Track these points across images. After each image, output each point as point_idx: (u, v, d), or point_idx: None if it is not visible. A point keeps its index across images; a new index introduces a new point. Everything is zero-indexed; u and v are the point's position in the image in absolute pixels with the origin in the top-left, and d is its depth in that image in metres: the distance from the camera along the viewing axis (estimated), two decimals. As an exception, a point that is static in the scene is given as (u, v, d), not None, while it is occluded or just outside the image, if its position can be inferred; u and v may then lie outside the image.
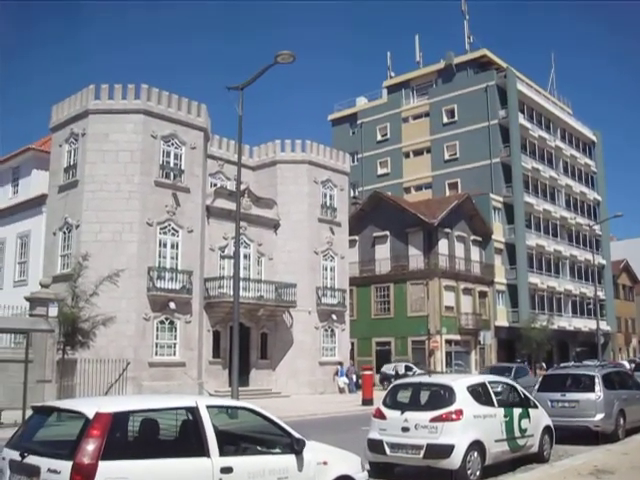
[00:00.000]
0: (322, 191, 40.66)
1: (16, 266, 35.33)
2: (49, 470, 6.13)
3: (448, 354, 47.15)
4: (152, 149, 31.63)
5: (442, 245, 48.79)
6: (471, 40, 62.92)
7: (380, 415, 12.13)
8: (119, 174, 30.85)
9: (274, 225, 38.68)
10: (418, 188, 60.60)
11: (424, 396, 12.70)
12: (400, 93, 63.85)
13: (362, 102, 67.72)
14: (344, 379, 38.85)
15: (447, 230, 49.28)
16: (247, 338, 35.55)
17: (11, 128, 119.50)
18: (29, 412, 18.54)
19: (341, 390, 38.44)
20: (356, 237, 49.78)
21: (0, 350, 26.24)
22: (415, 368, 41.14)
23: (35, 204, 34.31)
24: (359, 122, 65.66)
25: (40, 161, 36.13)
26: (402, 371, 40.41)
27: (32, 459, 6.38)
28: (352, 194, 57.53)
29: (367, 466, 10.14)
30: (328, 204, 40.90)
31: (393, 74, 66.51)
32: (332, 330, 40.05)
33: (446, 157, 58.49)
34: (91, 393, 25.91)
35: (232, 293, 26.00)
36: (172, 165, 32.36)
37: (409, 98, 63.39)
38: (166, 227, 31.64)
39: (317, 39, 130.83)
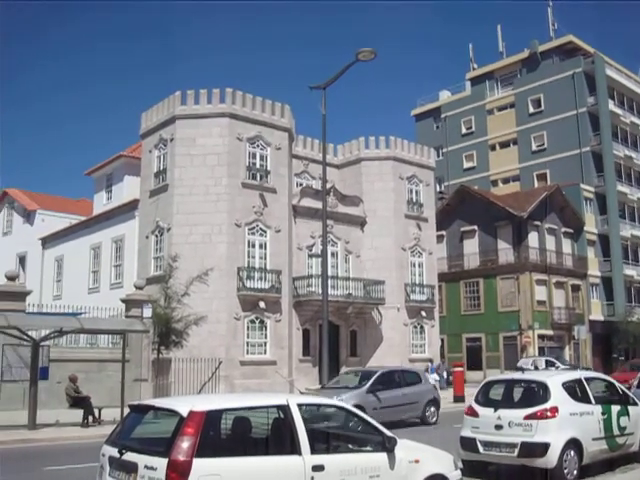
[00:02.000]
0: (408, 187, 40.40)
1: (112, 269, 36.51)
2: (146, 467, 6.29)
3: (541, 350, 46.04)
4: (238, 151, 32.14)
5: (532, 238, 47.79)
6: (555, 27, 61.28)
7: (472, 413, 11.97)
8: (207, 177, 31.49)
9: (360, 222, 38.68)
10: (505, 181, 59.47)
11: (517, 393, 12.44)
12: (484, 85, 62.78)
13: (445, 96, 66.97)
14: (434, 376, 38.47)
15: (537, 223, 48.22)
16: (336, 336, 35.68)
17: (104, 136, 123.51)
18: (127, 410, 19.12)
19: (432, 387, 38.04)
20: (443, 232, 49.29)
21: (99, 350, 27.21)
22: (558, 363, 38.11)
23: (128, 209, 35.39)
24: (443, 116, 64.93)
25: (131, 167, 37.32)
26: (542, 366, 36.68)
27: (130, 456, 6.57)
28: (438, 189, 57.01)
29: (460, 464, 10.02)
30: (414, 200, 40.61)
31: (476, 66, 65.39)
32: (421, 327, 39.75)
33: (534, 148, 57.16)
34: (185, 391, 26.51)
35: (320, 291, 26.18)
36: (258, 166, 32.80)
37: (493, 89, 62.26)
38: (254, 227, 32.09)
39: (396, 34, 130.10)
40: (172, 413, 6.62)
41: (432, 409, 21.96)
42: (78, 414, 20.01)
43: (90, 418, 20.13)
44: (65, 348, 25.35)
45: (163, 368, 26.22)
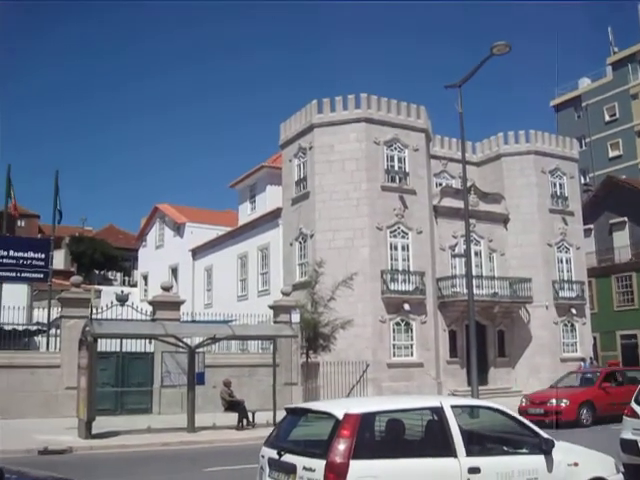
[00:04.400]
0: (551, 180, 39.15)
1: (258, 277, 37.58)
2: (304, 468, 6.47)
3: None
4: (376, 155, 32.31)
5: (690, 228, 45.05)
6: None
7: (633, 414, 11.43)
8: (347, 182, 31.84)
9: (503, 220, 37.87)
10: (656, 168, 56.40)
11: (682, 391, 11.80)
12: (626, 69, 59.72)
13: (585, 83, 64.21)
14: (588, 375, 37.01)
15: (694, 211, 45.42)
16: (483, 336, 35.07)
17: (244, 148, 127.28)
18: (279, 413, 19.60)
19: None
20: (591, 226, 47.27)
21: (249, 356, 28.11)
22: None
23: (272, 218, 36.34)
24: (584, 104, 62.33)
25: (273, 177, 38.32)
26: None
27: (288, 457, 6.78)
28: (583, 181, 54.82)
29: (621, 468, 9.62)
30: (558, 193, 39.31)
31: (616, 49, 62.43)
32: (572, 325, 38.36)
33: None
34: (334, 394, 26.87)
35: (465, 292, 25.88)
36: (397, 169, 32.83)
37: (637, 73, 59.20)
38: (395, 230, 32.11)
39: (527, 23, 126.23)
40: (328, 416, 6.78)
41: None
42: (232, 417, 20.67)
43: (244, 421, 20.74)
44: (218, 354, 26.37)
45: (311, 372, 26.72)
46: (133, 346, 25.25)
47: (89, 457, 15.75)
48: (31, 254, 26.66)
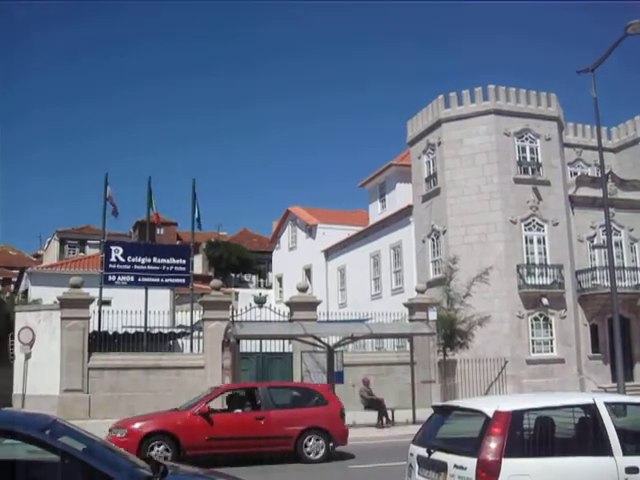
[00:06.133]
0: (696, 164, 37.03)
1: (392, 275, 37.64)
2: (455, 466, 6.48)
3: None
4: (507, 147, 31.69)
5: None
6: None
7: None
8: (478, 176, 31.41)
9: (645, 207, 36.15)
10: None
11: None
12: None
13: None
14: None
15: None
16: (627, 330, 33.52)
17: (374, 146, 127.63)
18: (418, 411, 19.52)
19: None
20: None
21: (386, 354, 28.21)
22: None
23: (402, 215, 36.33)
24: None
25: (402, 175, 38.28)
26: None
27: (438, 455, 6.80)
28: None
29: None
30: None
31: None
32: None
33: None
34: (472, 392, 26.57)
35: (607, 284, 24.95)
36: (529, 160, 32.07)
37: None
38: (530, 223, 31.36)
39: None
40: (477, 414, 6.76)
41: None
42: (372, 416, 20.83)
43: (384, 419, 20.86)
44: (355, 353, 26.66)
45: (449, 369, 26.53)
46: (272, 346, 25.92)
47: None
48: (173, 260, 27.78)
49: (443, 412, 7.80)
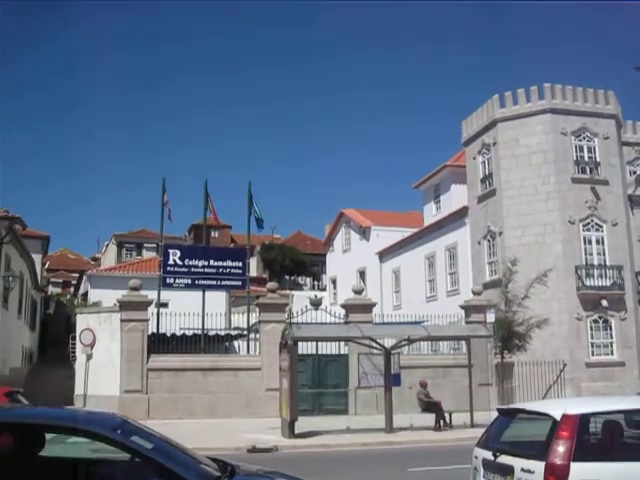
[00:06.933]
0: None
1: (447, 277, 37.36)
2: (522, 469, 6.41)
3: None
4: (564, 146, 31.20)
5: None
6: None
7: None
8: (534, 176, 31.00)
9: None
10: None
11: None
12: None
13: None
14: None
15: None
16: (692, 332, 32.78)
17: (427, 147, 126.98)
18: (476, 414, 19.31)
19: None
20: None
21: (442, 357, 28.07)
22: None
23: (458, 217, 36.03)
24: None
25: (457, 176, 38.00)
26: None
27: (504, 459, 6.73)
28: None
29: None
30: None
31: None
32: None
33: None
34: (530, 396, 26.21)
35: (670, 285, 24.37)
36: (586, 159, 31.51)
37: None
38: (589, 223, 30.81)
39: None
40: (543, 417, 6.69)
41: None
42: (428, 418, 20.69)
43: (441, 422, 20.71)
44: (412, 355, 26.55)
45: (506, 372, 26.22)
46: (328, 348, 25.98)
47: (295, 455, 16.36)
48: (229, 263, 28.13)
49: (508, 415, 7.73)
